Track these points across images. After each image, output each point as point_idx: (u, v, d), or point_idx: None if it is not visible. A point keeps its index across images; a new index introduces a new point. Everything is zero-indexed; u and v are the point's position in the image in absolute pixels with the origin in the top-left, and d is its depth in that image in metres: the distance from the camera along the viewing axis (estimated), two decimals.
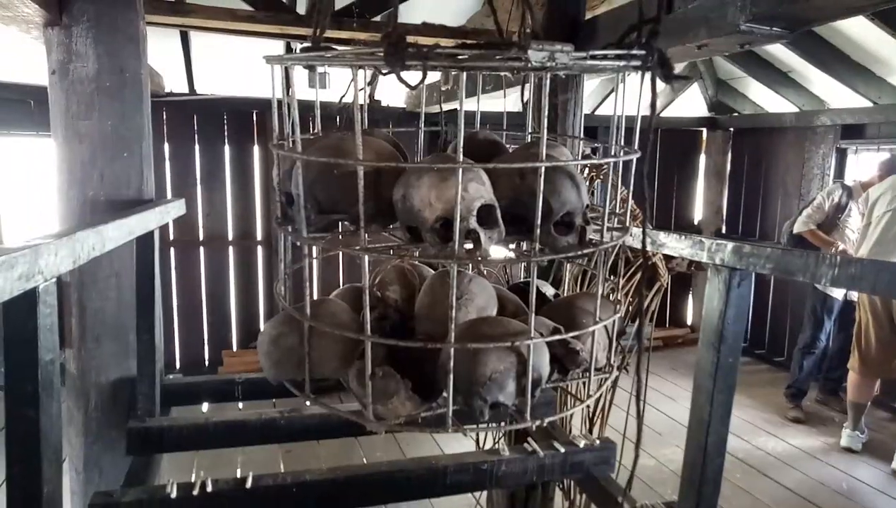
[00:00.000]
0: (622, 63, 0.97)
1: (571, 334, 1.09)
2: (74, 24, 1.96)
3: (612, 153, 1.07)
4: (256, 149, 5.39)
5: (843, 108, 5.14)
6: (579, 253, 1.04)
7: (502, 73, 1.45)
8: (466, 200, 0.95)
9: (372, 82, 1.48)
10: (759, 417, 4.65)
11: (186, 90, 4.99)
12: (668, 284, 2.47)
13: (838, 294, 4.50)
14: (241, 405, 2.33)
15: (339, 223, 1.12)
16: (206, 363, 5.46)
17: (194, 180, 5.25)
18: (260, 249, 5.51)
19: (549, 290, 1.47)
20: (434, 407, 1.10)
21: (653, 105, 1.03)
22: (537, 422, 1.07)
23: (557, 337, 1.08)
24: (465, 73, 0.88)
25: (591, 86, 5.79)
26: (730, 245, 1.25)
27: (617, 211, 1.26)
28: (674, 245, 1.42)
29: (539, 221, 0.97)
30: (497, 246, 1.05)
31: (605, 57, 0.95)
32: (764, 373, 5.66)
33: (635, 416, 1.14)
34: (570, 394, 2.17)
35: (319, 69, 1.18)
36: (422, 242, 1.01)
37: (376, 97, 1.34)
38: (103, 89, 1.99)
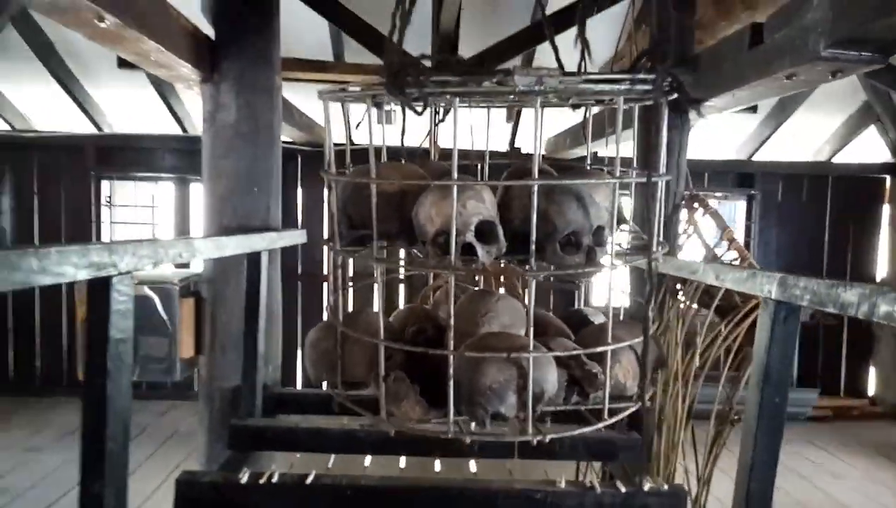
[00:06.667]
0: (624, 86, 1.00)
1: (580, 351, 1.10)
2: (223, 81, 2.34)
3: (619, 174, 1.08)
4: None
5: None
6: (582, 270, 1.05)
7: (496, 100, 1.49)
8: (464, 216, 1.02)
9: (439, 123, 1.60)
10: None
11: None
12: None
13: None
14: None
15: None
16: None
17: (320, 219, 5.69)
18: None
19: (599, 319, 1.46)
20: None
21: (656, 129, 1.03)
22: (538, 437, 1.08)
23: (564, 353, 1.09)
24: (458, 98, 0.97)
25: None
26: (777, 276, 1.18)
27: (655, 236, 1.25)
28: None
29: (535, 237, 1.01)
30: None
31: (599, 81, 0.98)
32: None
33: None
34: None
35: (385, 106, 1.33)
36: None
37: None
38: (240, 134, 2.33)
